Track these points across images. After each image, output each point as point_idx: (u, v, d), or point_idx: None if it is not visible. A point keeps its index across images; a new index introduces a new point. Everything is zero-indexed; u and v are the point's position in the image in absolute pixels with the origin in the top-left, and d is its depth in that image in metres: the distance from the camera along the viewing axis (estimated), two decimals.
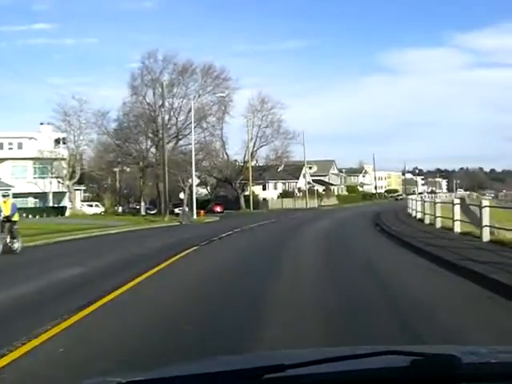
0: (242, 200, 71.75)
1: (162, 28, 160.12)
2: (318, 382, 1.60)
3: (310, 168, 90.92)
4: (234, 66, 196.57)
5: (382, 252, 16.15)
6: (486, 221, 16.34)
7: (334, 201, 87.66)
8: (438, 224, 22.74)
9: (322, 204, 79.60)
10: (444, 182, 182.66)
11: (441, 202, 25.15)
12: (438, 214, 23.34)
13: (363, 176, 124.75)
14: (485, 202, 17.35)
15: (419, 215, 28.63)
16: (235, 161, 75.76)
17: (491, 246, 14.56)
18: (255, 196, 73.56)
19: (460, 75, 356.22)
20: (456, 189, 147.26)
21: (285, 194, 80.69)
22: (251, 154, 72.56)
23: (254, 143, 73.64)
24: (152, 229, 34.39)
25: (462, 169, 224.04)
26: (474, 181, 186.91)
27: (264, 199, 76.22)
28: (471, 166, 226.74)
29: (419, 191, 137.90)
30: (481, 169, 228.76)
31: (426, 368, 1.56)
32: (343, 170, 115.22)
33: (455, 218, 20.12)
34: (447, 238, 17.41)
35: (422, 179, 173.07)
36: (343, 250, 16.87)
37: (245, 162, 72.96)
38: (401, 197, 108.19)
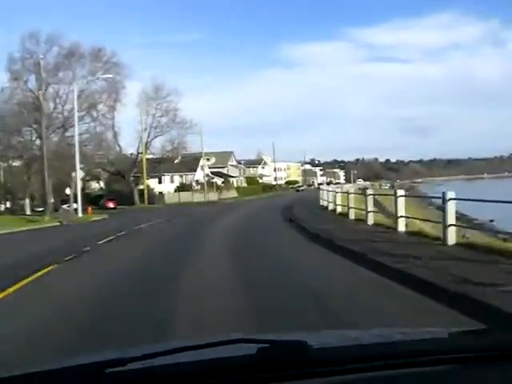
0: (137, 195, 66.93)
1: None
2: (162, 373, 1.54)
3: (208, 160, 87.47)
4: (129, 57, 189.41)
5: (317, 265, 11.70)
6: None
7: (233, 193, 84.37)
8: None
9: (222, 197, 76.12)
10: (342, 173, 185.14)
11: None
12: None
13: (262, 167, 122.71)
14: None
15: (339, 209, 25.90)
16: (131, 154, 70.60)
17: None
18: (150, 190, 68.97)
19: (356, 69, 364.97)
20: (355, 179, 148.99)
21: (182, 188, 76.53)
22: (145, 145, 67.79)
23: (149, 133, 68.96)
24: (19, 232, 28.93)
25: (358, 160, 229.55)
26: (370, 171, 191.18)
27: (160, 193, 71.73)
28: (367, 157, 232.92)
29: (319, 182, 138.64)
30: (376, 159, 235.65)
31: (274, 355, 1.53)
32: (242, 162, 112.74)
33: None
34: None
35: (321, 170, 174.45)
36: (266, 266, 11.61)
37: (138, 154, 68.13)
38: (302, 188, 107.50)
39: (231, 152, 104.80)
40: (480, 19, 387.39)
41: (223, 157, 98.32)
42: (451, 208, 12.53)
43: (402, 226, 15.73)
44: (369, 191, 21.61)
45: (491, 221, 38.37)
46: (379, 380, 1.51)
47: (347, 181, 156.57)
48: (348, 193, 24.36)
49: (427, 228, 18.02)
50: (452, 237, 12.35)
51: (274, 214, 31.68)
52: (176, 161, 74.04)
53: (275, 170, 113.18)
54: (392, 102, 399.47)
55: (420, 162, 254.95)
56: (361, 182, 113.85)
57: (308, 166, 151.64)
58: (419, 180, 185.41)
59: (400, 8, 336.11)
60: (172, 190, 75.28)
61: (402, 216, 15.84)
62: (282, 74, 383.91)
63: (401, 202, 16.04)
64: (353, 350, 1.65)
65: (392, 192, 21.51)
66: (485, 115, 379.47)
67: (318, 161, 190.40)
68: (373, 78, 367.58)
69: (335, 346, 1.73)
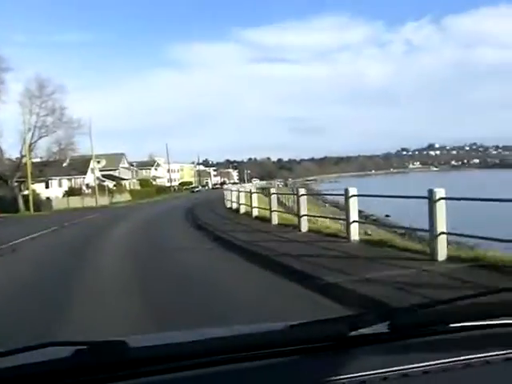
0: (21, 201, 62.41)
1: None
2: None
3: (99, 162, 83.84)
4: (13, 56, 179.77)
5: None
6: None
7: (127, 196, 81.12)
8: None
9: (114, 201, 72.92)
10: (235, 173, 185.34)
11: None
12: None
13: (155, 169, 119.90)
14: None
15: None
16: (16, 158, 65.77)
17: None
18: (36, 195, 64.65)
19: (246, 69, 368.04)
20: (249, 179, 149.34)
21: (71, 192, 72.47)
22: (29, 146, 63.44)
23: (33, 134, 64.33)
24: None
25: (250, 159, 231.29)
26: (264, 170, 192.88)
27: (47, 198, 67.50)
28: (259, 157, 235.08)
29: (214, 182, 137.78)
30: (269, 158, 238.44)
31: (89, 357, 1.44)
32: (134, 164, 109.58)
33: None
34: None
35: (214, 170, 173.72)
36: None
37: (22, 157, 63.74)
38: (197, 189, 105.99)
39: (123, 154, 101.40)
40: (366, 22, 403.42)
41: (114, 159, 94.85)
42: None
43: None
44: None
45: (387, 216, 38.95)
46: (203, 378, 1.45)
47: (241, 180, 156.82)
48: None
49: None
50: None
51: (177, 219, 27.74)
52: (64, 164, 69.83)
53: (169, 172, 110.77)
54: (283, 102, 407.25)
55: (312, 160, 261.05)
56: (256, 181, 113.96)
57: (201, 167, 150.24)
58: (312, 178, 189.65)
59: (289, 9, 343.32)
60: (60, 195, 71.17)
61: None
62: (172, 75, 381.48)
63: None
64: (175, 348, 1.54)
65: (288, 190, 21.14)
66: (372, 114, 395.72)
67: (211, 161, 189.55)
68: (263, 79, 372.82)
69: (157, 344, 1.60)
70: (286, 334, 1.61)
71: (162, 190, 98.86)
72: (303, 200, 16.09)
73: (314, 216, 21.04)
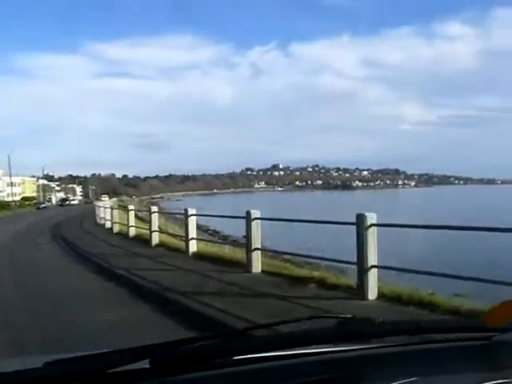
0: None
1: None
2: None
3: None
4: None
5: None
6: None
7: None
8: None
9: None
10: (79, 188, 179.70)
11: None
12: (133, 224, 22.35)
13: None
14: (154, 208, 19.67)
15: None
16: None
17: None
18: None
19: (92, 83, 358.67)
20: (96, 195, 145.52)
21: None
22: None
23: None
24: None
25: (94, 174, 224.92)
26: (108, 186, 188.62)
27: None
28: (103, 172, 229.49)
29: (60, 198, 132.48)
30: (113, 174, 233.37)
31: None
32: None
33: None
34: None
35: (58, 185, 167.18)
36: None
37: None
38: (43, 205, 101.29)
39: None
40: (215, 43, 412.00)
41: None
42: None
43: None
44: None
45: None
46: None
47: (85, 196, 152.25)
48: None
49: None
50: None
51: (43, 245, 21.88)
52: None
53: (11, 185, 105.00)
54: (128, 117, 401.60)
55: (156, 177, 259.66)
56: (106, 198, 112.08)
57: (44, 181, 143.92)
58: (158, 195, 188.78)
59: (139, 25, 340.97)
60: None
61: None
62: (16, 85, 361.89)
63: (154, 217, 18.67)
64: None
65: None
66: (218, 134, 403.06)
67: (53, 175, 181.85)
68: (108, 93, 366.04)
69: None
70: (43, 371, 1.52)
71: (3, 205, 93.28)
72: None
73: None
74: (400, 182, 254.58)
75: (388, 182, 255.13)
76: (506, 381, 1.51)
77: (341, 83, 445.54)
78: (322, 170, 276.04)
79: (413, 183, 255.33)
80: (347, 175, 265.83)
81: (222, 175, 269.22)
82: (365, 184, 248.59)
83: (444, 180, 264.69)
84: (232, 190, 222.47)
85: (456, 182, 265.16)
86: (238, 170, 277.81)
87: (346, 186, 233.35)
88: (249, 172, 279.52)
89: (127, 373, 1.48)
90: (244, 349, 1.59)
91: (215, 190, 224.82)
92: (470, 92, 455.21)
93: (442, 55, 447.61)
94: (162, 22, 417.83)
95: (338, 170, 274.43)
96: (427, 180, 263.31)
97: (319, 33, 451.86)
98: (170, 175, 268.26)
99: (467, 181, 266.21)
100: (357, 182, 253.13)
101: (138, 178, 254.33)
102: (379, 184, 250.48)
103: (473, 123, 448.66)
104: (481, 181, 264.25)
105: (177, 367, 1.53)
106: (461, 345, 1.76)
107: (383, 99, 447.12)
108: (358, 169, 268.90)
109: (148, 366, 1.49)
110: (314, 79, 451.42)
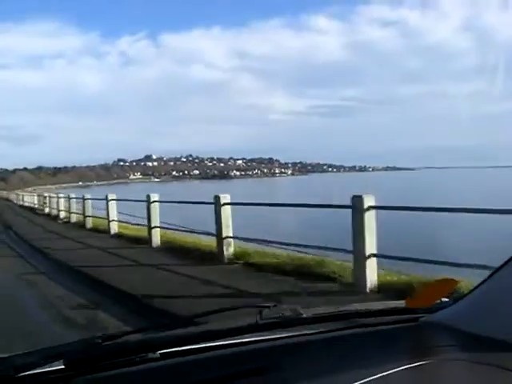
0: None
1: None
2: None
3: None
4: None
5: None
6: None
7: None
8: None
9: None
10: None
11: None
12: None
13: None
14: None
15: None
16: None
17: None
18: None
19: None
20: None
21: None
22: None
23: None
24: None
25: None
26: None
27: None
28: None
29: None
30: None
31: None
32: None
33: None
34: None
35: None
36: None
37: None
38: None
39: None
40: (81, 32, 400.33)
41: None
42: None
43: (114, 229, 17.48)
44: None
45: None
46: None
47: None
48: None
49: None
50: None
51: None
52: None
53: None
54: None
55: (25, 169, 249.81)
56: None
57: None
58: (30, 188, 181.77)
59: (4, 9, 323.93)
60: None
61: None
62: None
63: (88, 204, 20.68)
64: None
65: None
66: (89, 124, 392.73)
67: None
68: None
69: None
70: None
71: None
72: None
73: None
74: (277, 171, 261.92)
75: (265, 170, 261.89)
76: (432, 361, 1.51)
77: (212, 74, 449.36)
78: (197, 160, 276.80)
79: (289, 172, 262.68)
80: (222, 164, 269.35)
81: (94, 167, 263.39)
82: (242, 173, 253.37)
83: (318, 168, 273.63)
84: (107, 182, 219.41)
85: (330, 169, 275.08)
86: (111, 162, 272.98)
87: (223, 176, 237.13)
88: (121, 163, 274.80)
89: (40, 375, 1.39)
90: (169, 342, 1.53)
91: (92, 182, 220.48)
92: (336, 83, 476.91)
93: (311, 47, 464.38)
94: (22, 8, 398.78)
95: (212, 159, 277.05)
96: (302, 168, 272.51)
97: (190, 24, 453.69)
98: (40, 167, 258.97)
99: (340, 168, 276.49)
100: (234, 171, 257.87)
101: (7, 170, 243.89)
102: (257, 173, 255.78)
103: (336, 113, 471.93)
104: (353, 168, 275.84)
105: (93, 365, 1.44)
106: (388, 328, 1.78)
107: (254, 89, 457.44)
108: (232, 158, 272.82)
109: (63, 367, 1.41)
110: (185, 70, 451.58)
